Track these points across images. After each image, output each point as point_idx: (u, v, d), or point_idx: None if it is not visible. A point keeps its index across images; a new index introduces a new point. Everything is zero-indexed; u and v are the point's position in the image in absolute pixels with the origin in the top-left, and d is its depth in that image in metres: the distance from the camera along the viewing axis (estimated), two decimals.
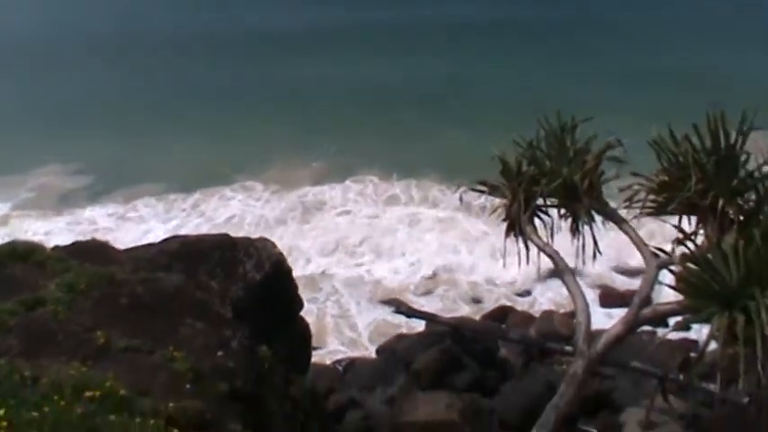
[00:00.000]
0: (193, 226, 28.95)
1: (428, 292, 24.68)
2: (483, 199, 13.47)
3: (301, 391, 13.18)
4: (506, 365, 18.90)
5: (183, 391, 9.42)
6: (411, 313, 19.70)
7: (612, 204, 11.73)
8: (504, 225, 12.04)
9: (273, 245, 15.09)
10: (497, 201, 12.11)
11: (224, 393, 9.99)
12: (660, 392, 15.72)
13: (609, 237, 12.06)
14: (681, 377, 16.20)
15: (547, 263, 11.70)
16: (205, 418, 9.00)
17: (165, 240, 14.99)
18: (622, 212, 11.47)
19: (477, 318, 22.52)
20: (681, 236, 9.96)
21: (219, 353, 10.68)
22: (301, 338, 15.55)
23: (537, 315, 21.86)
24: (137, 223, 30.83)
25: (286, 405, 12.25)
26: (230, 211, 31.75)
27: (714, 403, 15.48)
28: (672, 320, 14.46)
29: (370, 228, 29.55)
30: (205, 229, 27.01)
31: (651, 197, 10.93)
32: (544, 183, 11.38)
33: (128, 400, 8.51)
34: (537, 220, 11.98)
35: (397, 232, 29.08)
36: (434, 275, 25.63)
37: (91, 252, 13.22)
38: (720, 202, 10.23)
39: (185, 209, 32.19)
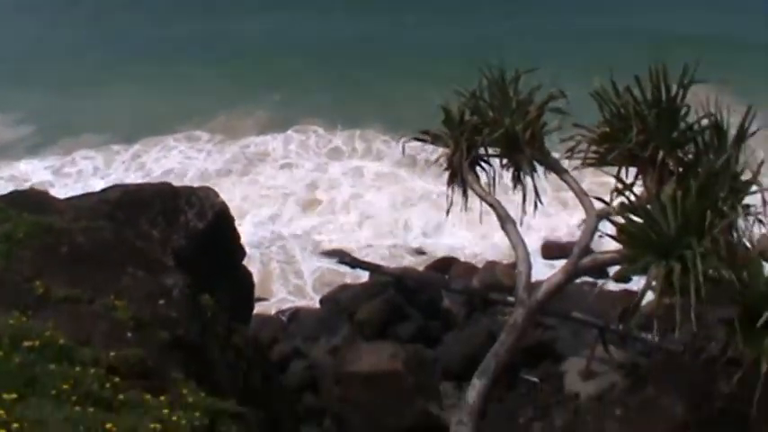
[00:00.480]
0: (132, 180, 28.43)
1: (371, 245, 24.68)
2: (430, 152, 13.46)
3: (244, 340, 13.14)
4: (449, 316, 19.05)
5: (124, 340, 9.32)
6: (355, 264, 19.79)
7: (554, 155, 11.81)
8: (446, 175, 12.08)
9: (216, 194, 15.00)
10: (440, 150, 12.13)
11: (165, 342, 9.91)
12: (600, 342, 16.03)
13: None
14: (621, 327, 16.50)
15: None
16: (146, 366, 8.90)
17: (106, 189, 14.80)
18: (564, 163, 11.55)
19: (421, 269, 22.62)
20: (620, 186, 10.05)
21: (161, 301, 10.59)
22: (244, 287, 15.54)
23: (480, 266, 22.01)
24: (74, 180, 30.22)
25: (229, 354, 12.21)
26: (171, 162, 31.37)
27: (652, 352, 15.85)
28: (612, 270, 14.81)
29: (312, 182, 29.37)
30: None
31: (592, 148, 11.00)
32: (486, 132, 11.39)
33: (68, 349, 8.36)
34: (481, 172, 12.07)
35: (341, 186, 28.96)
36: (378, 230, 25.59)
37: (29, 201, 13.01)
38: (660, 154, 10.34)
39: (125, 161, 31.70)
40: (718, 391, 9.55)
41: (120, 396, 7.84)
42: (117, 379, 8.23)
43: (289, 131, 33.80)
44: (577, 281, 14.42)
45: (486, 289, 19.85)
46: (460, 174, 11.64)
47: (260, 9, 49.64)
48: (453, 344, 17.24)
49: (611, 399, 10.53)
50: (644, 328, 15.36)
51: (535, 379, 16.66)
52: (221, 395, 9.48)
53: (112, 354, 8.66)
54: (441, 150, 12.13)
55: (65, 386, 7.42)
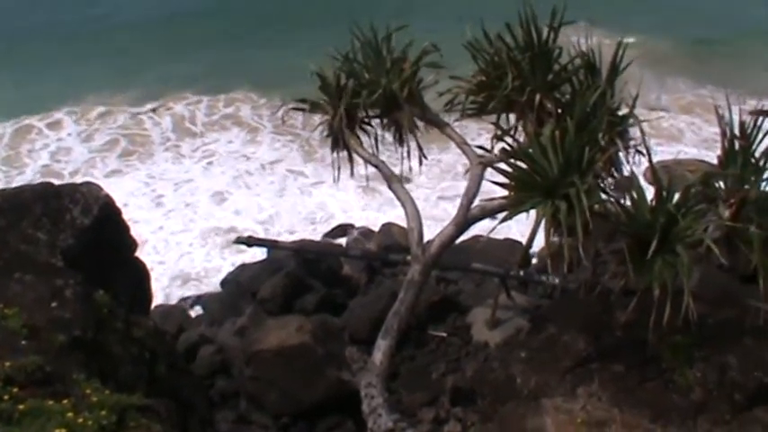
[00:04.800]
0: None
1: (264, 222, 24.46)
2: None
3: (145, 331, 12.88)
4: (351, 282, 19.00)
5: (18, 349, 9.06)
6: (252, 242, 19.53)
7: (435, 109, 11.83)
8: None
9: (99, 188, 14.56)
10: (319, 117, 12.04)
11: (63, 344, 9.64)
12: (503, 290, 16.24)
13: None
14: (521, 273, 16.76)
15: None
16: (45, 371, 8.69)
17: None
18: (444, 116, 11.59)
19: (318, 239, 22.52)
20: (499, 132, 10.15)
21: (53, 304, 10.30)
22: (139, 279, 15.19)
23: (376, 229, 22.04)
24: None
25: (131, 348, 11.94)
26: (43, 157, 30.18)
27: (553, 293, 16.16)
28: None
29: (189, 165, 28.91)
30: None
31: (471, 98, 11.08)
32: (365, 94, 11.33)
33: None
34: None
35: (218, 168, 28.67)
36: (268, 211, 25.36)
37: None
38: (537, 97, 10.48)
39: None
40: (615, 322, 9.80)
41: (21, 406, 7.67)
42: (15, 389, 8.02)
43: (162, 109, 32.80)
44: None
45: (384, 251, 19.87)
46: (342, 139, 11.58)
47: None
48: (358, 309, 17.20)
49: (516, 343, 10.68)
50: (545, 270, 15.67)
51: (443, 333, 16.78)
52: (127, 390, 9.32)
53: (8, 364, 8.41)
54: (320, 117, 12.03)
55: None
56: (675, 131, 29.97)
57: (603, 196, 9.29)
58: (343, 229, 22.92)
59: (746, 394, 9.41)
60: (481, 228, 10.66)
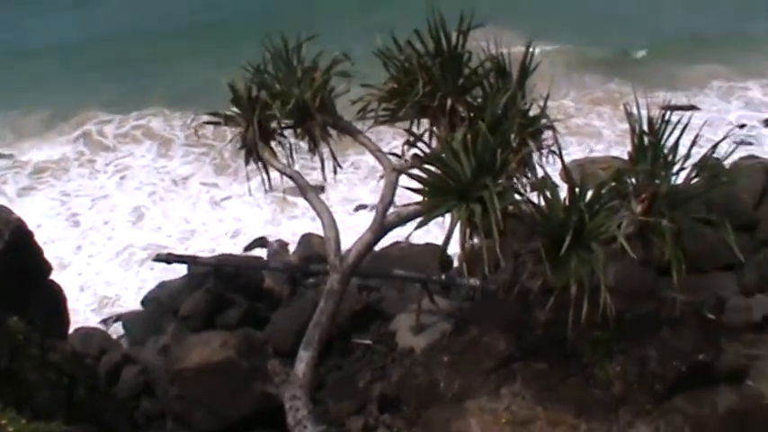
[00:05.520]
0: None
1: (183, 238, 24.16)
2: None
3: (63, 356, 12.63)
4: (273, 294, 18.88)
5: None
6: (171, 258, 19.24)
7: (348, 118, 11.82)
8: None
9: (9, 211, 14.24)
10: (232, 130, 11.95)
11: None
12: (426, 295, 16.30)
13: None
14: (443, 277, 16.84)
15: None
16: None
17: None
18: (358, 124, 11.59)
19: (238, 253, 22.33)
20: (411, 139, 10.20)
21: None
22: (55, 303, 14.90)
23: (296, 240, 21.95)
24: None
25: (48, 374, 11.71)
26: None
27: (474, 295, 16.26)
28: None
29: (104, 181, 28.40)
30: None
31: (383, 106, 11.10)
32: (277, 106, 11.26)
33: None
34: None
35: (132, 182, 28.22)
36: (186, 227, 25.05)
37: None
38: (449, 102, 10.55)
39: None
40: (535, 321, 9.90)
41: None
42: None
43: (75, 134, 32.09)
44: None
45: (304, 262, 19.79)
46: (256, 151, 11.50)
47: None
48: (282, 322, 17.05)
49: (439, 347, 10.72)
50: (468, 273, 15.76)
51: (368, 341, 16.76)
52: (46, 417, 9.11)
53: None
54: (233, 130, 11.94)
55: None
56: (591, 129, 30.50)
57: (518, 197, 9.39)
58: (262, 242, 22.79)
59: (666, 384, 9.61)
60: (401, 234, 10.72)
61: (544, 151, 10.57)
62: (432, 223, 9.36)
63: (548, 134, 10.58)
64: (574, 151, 26.54)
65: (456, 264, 17.85)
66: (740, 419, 9.78)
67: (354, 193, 24.09)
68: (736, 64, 37.10)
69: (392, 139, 18.07)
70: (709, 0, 42.79)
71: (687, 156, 9.87)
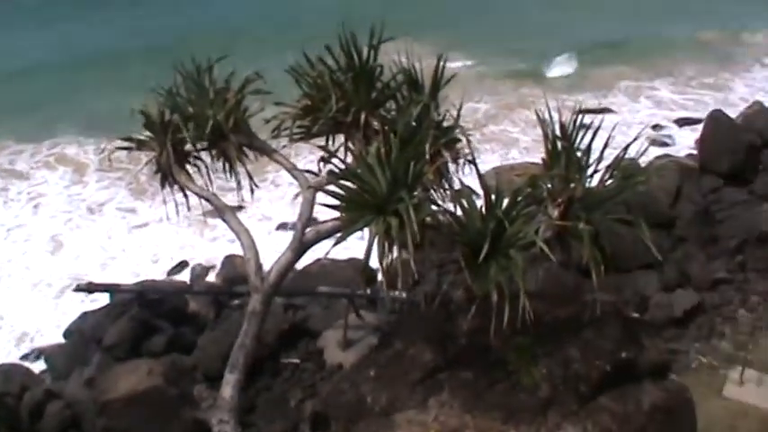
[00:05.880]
0: None
1: (103, 265, 23.70)
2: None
3: None
4: (199, 319, 18.68)
5: None
6: (92, 288, 18.92)
7: (264, 136, 11.76)
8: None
9: None
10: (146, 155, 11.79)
11: None
12: (352, 310, 16.28)
13: None
14: (368, 291, 16.85)
15: None
16: None
17: None
18: (273, 143, 11.54)
19: (161, 278, 22.01)
20: (326, 155, 10.20)
21: None
22: None
23: (219, 262, 21.75)
24: None
25: None
26: None
27: (402, 308, 16.31)
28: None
29: (18, 209, 27.76)
30: None
31: (297, 123, 11.08)
32: (190, 128, 11.15)
33: None
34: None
35: (47, 210, 27.51)
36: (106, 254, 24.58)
37: None
38: (362, 116, 10.58)
39: None
40: (459, 330, 9.92)
41: None
42: None
43: None
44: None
45: (228, 283, 19.64)
46: (171, 175, 11.36)
47: None
48: (209, 345, 16.88)
49: (365, 362, 10.69)
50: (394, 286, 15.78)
51: (296, 360, 16.70)
52: None
53: None
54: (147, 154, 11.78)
55: None
56: (507, 136, 30.83)
57: (436, 208, 9.43)
58: (185, 266, 22.54)
59: (591, 384, 9.70)
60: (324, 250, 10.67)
61: (460, 161, 10.64)
62: (355, 237, 9.35)
63: (464, 143, 10.65)
64: (491, 159, 26.82)
65: (380, 277, 17.93)
66: (665, 414, 9.93)
67: (276, 212, 23.87)
68: (643, 65, 38.20)
69: (309, 154, 18.06)
70: (617, 8, 44.03)
71: (600, 158, 10.03)
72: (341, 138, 11.03)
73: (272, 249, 11.23)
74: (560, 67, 38.02)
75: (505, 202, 9.29)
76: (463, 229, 9.08)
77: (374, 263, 10.84)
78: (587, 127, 10.16)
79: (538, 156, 10.89)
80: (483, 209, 9.23)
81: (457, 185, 10.25)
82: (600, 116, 13.12)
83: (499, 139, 30.42)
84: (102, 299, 19.58)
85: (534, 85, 34.50)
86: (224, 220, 11.07)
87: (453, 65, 11.08)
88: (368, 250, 8.73)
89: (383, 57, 11.11)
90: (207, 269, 21.90)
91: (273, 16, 43.61)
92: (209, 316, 18.71)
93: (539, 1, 46.18)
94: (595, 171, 10.01)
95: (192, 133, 11.18)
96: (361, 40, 10.97)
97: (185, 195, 11.73)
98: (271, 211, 23.96)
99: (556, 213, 9.53)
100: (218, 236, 23.14)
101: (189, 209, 11.90)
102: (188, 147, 11.61)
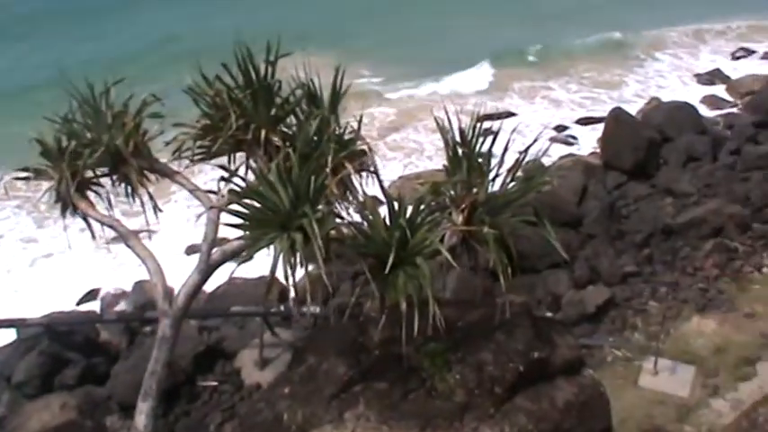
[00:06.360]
0: None
1: (8, 300, 23.01)
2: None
3: None
4: (111, 347, 18.37)
5: None
6: None
7: (164, 159, 11.59)
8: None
9: None
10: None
11: None
12: (267, 328, 16.20)
13: None
14: (281, 308, 16.79)
15: None
16: None
17: None
18: (175, 164, 11.39)
19: (69, 309, 21.53)
20: (226, 174, 10.11)
21: None
22: None
23: (129, 288, 21.39)
24: None
25: None
26: None
27: (315, 323, 16.28)
28: None
29: None
30: None
31: (198, 143, 10.95)
32: (88, 154, 10.93)
33: None
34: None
35: None
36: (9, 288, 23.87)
37: None
38: (263, 133, 10.50)
39: None
40: (371, 341, 9.92)
41: None
42: None
43: None
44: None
45: (139, 310, 19.39)
46: (72, 203, 11.11)
47: None
48: (122, 374, 16.65)
49: (280, 380, 10.61)
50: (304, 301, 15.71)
51: (214, 383, 16.56)
52: None
53: None
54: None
55: None
56: (412, 145, 31.06)
57: (340, 221, 9.41)
58: (94, 295, 22.10)
59: (505, 386, 9.78)
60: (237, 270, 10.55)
61: (364, 173, 10.65)
62: (265, 254, 9.24)
63: (367, 155, 10.66)
64: (397, 168, 26.97)
65: (292, 293, 17.88)
66: (579, 409, 10.09)
67: (186, 234, 23.59)
68: (539, 67, 39.13)
69: (213, 172, 17.90)
70: (514, 16, 44.93)
71: (501, 162, 10.14)
72: (243, 156, 10.94)
73: (183, 272, 11.05)
74: (469, 75, 38.57)
75: (409, 210, 9.31)
76: (368, 240, 9.08)
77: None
78: (488, 132, 10.27)
79: (442, 163, 10.96)
80: (387, 219, 9.24)
81: (361, 197, 10.24)
82: (501, 120, 13.30)
83: (403, 148, 30.63)
84: (9, 335, 19.11)
85: (435, 92, 34.89)
86: (128, 246, 10.86)
87: (358, 80, 11.05)
88: (273, 268, 8.66)
89: (282, 72, 11.07)
90: (118, 296, 21.54)
91: (171, 37, 43.22)
92: (121, 344, 18.45)
93: (437, 11, 46.75)
94: (497, 175, 10.11)
95: (91, 159, 10.95)
96: (260, 57, 10.91)
97: (88, 223, 11.48)
98: (181, 234, 23.67)
99: (460, 219, 9.60)
100: (127, 261, 22.75)
101: (94, 236, 11.64)
102: (88, 173, 11.37)
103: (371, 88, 34.33)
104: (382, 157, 27.68)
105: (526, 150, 10.20)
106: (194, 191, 10.91)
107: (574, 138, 32.54)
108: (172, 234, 23.15)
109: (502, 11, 46.51)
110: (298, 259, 8.64)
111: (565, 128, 33.66)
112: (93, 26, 48.84)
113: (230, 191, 9.60)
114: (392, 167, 26.46)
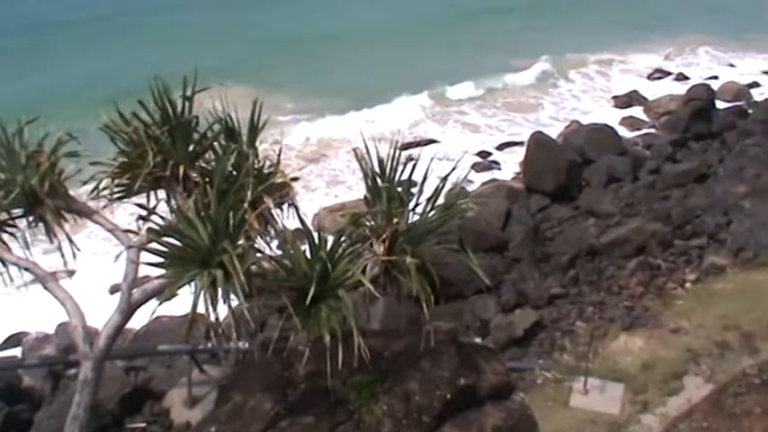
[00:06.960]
0: None
1: None
2: None
3: None
4: (34, 393, 17.93)
5: None
6: None
7: (84, 198, 11.40)
8: None
9: None
10: None
11: None
12: (195, 366, 15.98)
13: None
14: (209, 345, 16.58)
15: None
16: None
17: None
18: (94, 203, 11.20)
19: None
20: (145, 212, 9.99)
21: None
22: None
23: (52, 331, 20.92)
24: None
25: None
26: None
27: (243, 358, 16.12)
28: None
29: None
30: None
31: (116, 182, 10.80)
32: (1, 196, 10.70)
33: None
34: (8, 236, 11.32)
35: None
36: None
37: None
38: (181, 169, 10.41)
39: None
40: (297, 375, 9.87)
41: None
42: None
43: None
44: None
45: (63, 352, 18.97)
46: None
47: None
48: (46, 421, 16.23)
49: (206, 419, 10.46)
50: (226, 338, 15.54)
51: (142, 424, 16.28)
52: None
53: None
54: None
55: None
56: (334, 175, 31.14)
57: (261, 255, 9.36)
58: (16, 339, 21.58)
59: (433, 415, 9.79)
60: (162, 309, 10.40)
61: (284, 205, 10.62)
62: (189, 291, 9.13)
63: (287, 187, 10.64)
64: (319, 198, 26.95)
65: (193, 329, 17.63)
66: None
67: (110, 273, 23.19)
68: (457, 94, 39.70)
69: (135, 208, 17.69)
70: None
71: (422, 191, 10.20)
72: (155, 194, 10.81)
73: (107, 311, 10.86)
74: (391, 107, 38.88)
75: (330, 242, 9.32)
76: (289, 273, 9.05)
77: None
78: (409, 160, 10.33)
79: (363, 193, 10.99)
80: (307, 251, 9.22)
81: (282, 230, 10.21)
82: (421, 148, 13.39)
83: (325, 178, 30.69)
84: None
85: (356, 124, 35.12)
86: (46, 289, 10.63)
87: (279, 112, 11.06)
88: (194, 304, 8.56)
89: (200, 108, 11.00)
90: (41, 340, 21.05)
91: (90, 77, 42.88)
92: (45, 390, 18.04)
93: (359, 44, 47.19)
94: (417, 204, 10.16)
95: (6, 200, 10.71)
96: (178, 93, 10.82)
97: (5, 266, 11.21)
98: (103, 271, 23.16)
99: (381, 249, 9.62)
100: (50, 303, 22.26)
101: (11, 279, 11.37)
102: (2, 215, 11.12)
103: (292, 119, 34.37)
104: (307, 188, 27.75)
105: (445, 178, 10.26)
106: (113, 230, 10.73)
107: (496, 163, 32.94)
108: (94, 272, 22.75)
109: (424, 42, 47.15)
110: (219, 295, 8.56)
111: (488, 153, 34.06)
112: (10, 65, 48.31)
113: (149, 229, 9.47)
114: (315, 198, 26.54)
